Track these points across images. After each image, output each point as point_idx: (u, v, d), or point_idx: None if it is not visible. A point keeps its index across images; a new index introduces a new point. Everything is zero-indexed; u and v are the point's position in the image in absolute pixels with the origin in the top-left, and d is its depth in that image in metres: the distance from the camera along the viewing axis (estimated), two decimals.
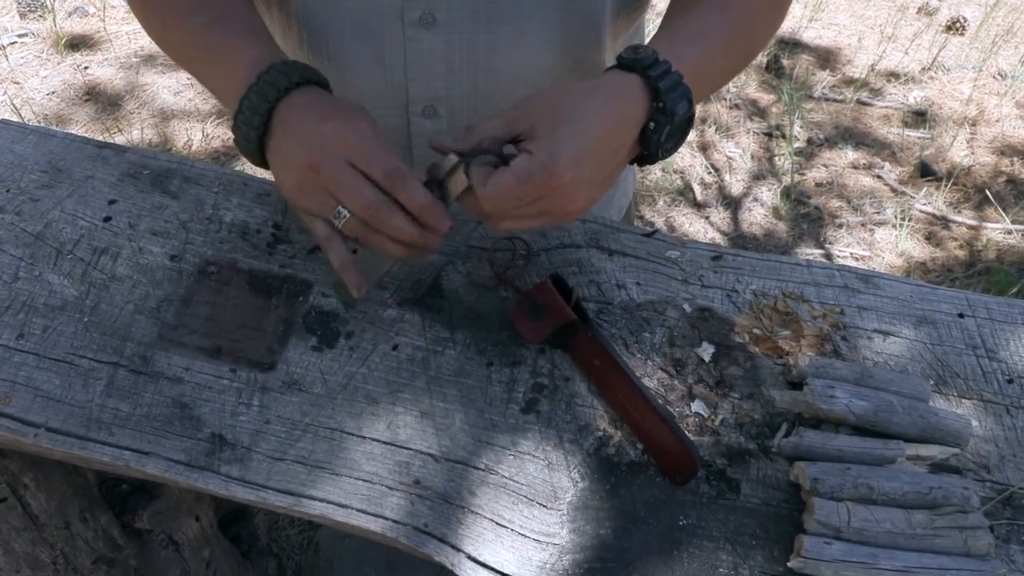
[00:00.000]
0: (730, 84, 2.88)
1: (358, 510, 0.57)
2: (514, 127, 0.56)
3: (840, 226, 2.39)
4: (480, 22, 0.69)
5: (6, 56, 2.75)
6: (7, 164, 0.77)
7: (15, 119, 2.48)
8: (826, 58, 3.10)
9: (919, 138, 2.71)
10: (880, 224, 2.40)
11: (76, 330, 0.65)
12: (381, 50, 0.70)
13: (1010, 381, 0.68)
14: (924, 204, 2.46)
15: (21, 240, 0.71)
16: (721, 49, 0.66)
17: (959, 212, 2.45)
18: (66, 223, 0.72)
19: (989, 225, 2.39)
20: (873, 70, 3.02)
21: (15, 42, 2.81)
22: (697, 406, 0.65)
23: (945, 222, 2.41)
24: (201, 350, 0.65)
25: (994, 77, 3.02)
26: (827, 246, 2.32)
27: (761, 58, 3.00)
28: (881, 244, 2.35)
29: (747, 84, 2.91)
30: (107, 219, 0.73)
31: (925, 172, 2.56)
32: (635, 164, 0.63)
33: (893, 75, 3.01)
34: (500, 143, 0.57)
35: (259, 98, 0.59)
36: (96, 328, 0.65)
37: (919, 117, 2.81)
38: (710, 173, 2.55)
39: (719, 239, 2.33)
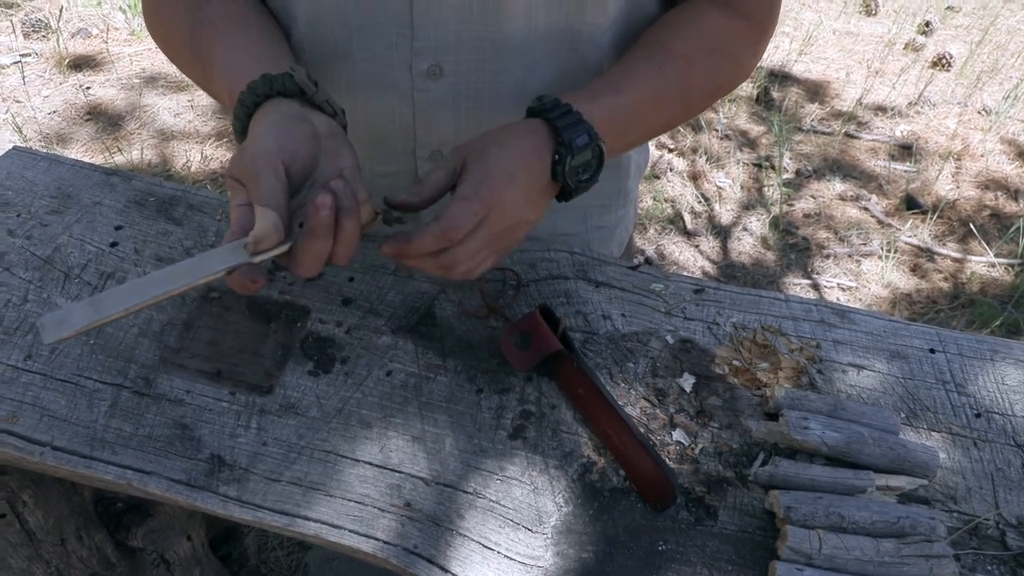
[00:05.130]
0: (720, 115, 2.94)
1: (350, 531, 0.60)
2: (451, 167, 0.64)
3: (827, 257, 2.43)
4: (485, 72, 0.72)
5: (11, 74, 2.78)
6: (18, 189, 0.80)
7: (17, 137, 2.51)
8: (815, 91, 3.17)
9: (905, 171, 2.77)
10: (867, 255, 2.44)
11: (82, 352, 0.68)
12: (390, 99, 0.74)
13: (978, 415, 0.71)
14: (910, 236, 2.51)
15: (31, 264, 0.73)
16: (645, 96, 0.71)
17: (944, 245, 2.50)
18: (74, 247, 0.75)
19: (973, 258, 2.44)
20: (860, 104, 3.08)
21: (18, 61, 2.85)
22: (678, 435, 0.67)
23: (930, 254, 2.46)
24: (202, 373, 0.68)
25: (979, 112, 3.09)
26: (814, 276, 2.36)
27: (751, 90, 3.06)
28: (867, 275, 2.39)
29: (737, 115, 2.97)
30: (114, 244, 0.76)
31: (911, 205, 2.62)
32: (562, 200, 0.69)
33: (880, 109, 3.08)
34: (444, 190, 0.64)
35: (241, 108, 0.64)
36: (101, 350, 0.68)
37: (905, 151, 2.87)
38: (700, 202, 2.59)
39: (708, 267, 2.36)
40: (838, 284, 2.34)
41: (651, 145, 2.76)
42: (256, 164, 0.58)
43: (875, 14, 3.77)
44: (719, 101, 2.94)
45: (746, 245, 2.46)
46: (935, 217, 2.56)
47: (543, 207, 0.67)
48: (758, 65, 0.83)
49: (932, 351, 0.75)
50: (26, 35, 2.96)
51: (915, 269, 2.42)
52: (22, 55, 2.87)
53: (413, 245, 0.61)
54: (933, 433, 0.69)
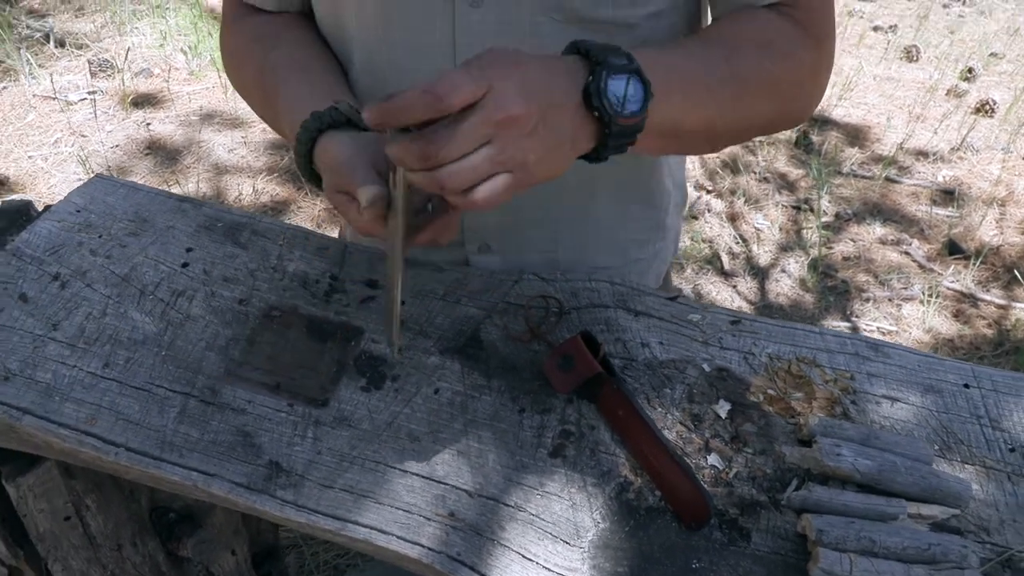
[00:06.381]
0: (759, 157, 2.96)
1: (398, 537, 0.63)
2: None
3: (867, 300, 2.42)
4: None
5: (78, 110, 2.95)
6: (100, 213, 0.86)
7: (81, 170, 2.64)
8: (855, 135, 3.18)
9: (947, 216, 2.76)
10: (907, 300, 2.43)
11: (154, 362, 0.73)
12: None
13: (1012, 450, 0.72)
14: (952, 281, 2.49)
15: (110, 281, 0.79)
16: (688, 63, 0.68)
17: (987, 291, 2.47)
18: (149, 267, 0.81)
19: (1018, 304, 2.41)
20: (902, 148, 3.09)
21: (85, 98, 3.02)
22: (713, 459, 0.70)
23: (973, 300, 2.44)
24: (263, 385, 0.73)
25: (1023, 159, 3.07)
26: (853, 319, 2.35)
27: (790, 134, 3.09)
28: (908, 319, 2.37)
29: (776, 158, 2.99)
30: (185, 265, 0.82)
31: (953, 250, 2.60)
32: (595, 157, 0.62)
33: (922, 154, 3.08)
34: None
35: (300, 145, 0.71)
36: (172, 361, 0.73)
37: (947, 196, 2.86)
38: (738, 243, 2.61)
39: (746, 308, 2.37)
40: (878, 328, 2.33)
41: (689, 185, 2.81)
42: (350, 162, 0.66)
43: (916, 60, 3.78)
44: (767, 136, 2.98)
45: (784, 287, 2.46)
46: (978, 262, 2.54)
47: (570, 148, 0.59)
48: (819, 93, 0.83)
49: (966, 386, 0.77)
50: (93, 74, 3.13)
51: (958, 315, 2.40)
52: (89, 92, 3.04)
53: (397, 101, 0.53)
54: (967, 466, 0.70)
